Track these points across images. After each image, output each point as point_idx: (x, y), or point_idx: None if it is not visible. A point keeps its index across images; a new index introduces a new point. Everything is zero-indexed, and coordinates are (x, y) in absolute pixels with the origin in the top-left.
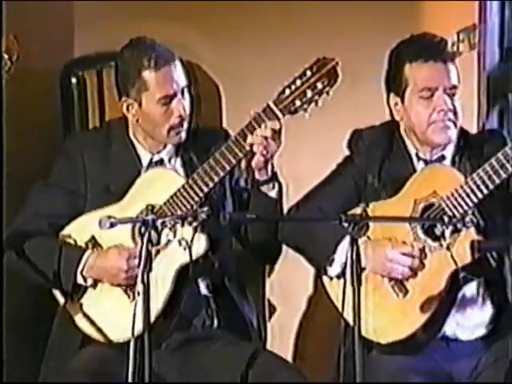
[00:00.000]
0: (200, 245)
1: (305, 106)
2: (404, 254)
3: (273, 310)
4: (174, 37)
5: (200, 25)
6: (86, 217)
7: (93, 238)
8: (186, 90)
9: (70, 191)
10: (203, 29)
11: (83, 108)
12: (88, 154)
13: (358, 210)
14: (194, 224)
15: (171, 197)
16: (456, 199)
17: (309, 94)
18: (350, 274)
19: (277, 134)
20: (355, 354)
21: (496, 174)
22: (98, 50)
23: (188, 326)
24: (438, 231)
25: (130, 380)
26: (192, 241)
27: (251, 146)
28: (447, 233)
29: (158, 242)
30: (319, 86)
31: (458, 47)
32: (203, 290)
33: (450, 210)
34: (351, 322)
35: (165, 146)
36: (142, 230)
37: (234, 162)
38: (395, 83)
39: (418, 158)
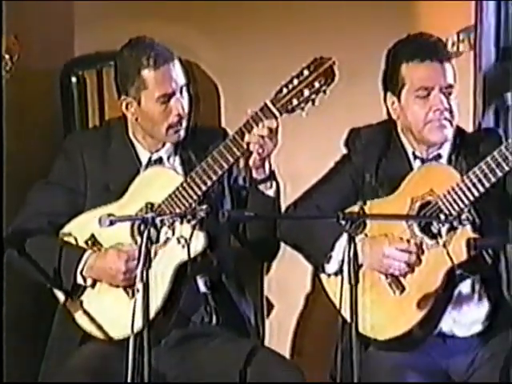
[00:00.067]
0: (198, 242)
1: (302, 104)
2: (401, 250)
3: (271, 307)
4: (174, 37)
5: (200, 25)
6: (86, 215)
7: (92, 236)
8: (184, 89)
9: (70, 190)
10: (203, 29)
11: (83, 107)
12: (88, 152)
13: (355, 208)
14: (193, 222)
15: (170, 195)
16: (452, 197)
17: (306, 93)
18: (348, 272)
19: (273, 132)
20: (352, 351)
21: (492, 172)
22: (98, 50)
23: (187, 322)
24: (434, 229)
25: (129, 376)
26: (190, 238)
27: (248, 144)
28: (443, 230)
29: (157, 240)
30: (316, 85)
31: (457, 47)
32: (202, 287)
33: (447, 207)
34: (348, 319)
35: (163, 145)
36: (142, 227)
37: (231, 160)
38: (392, 82)
39: (415, 157)
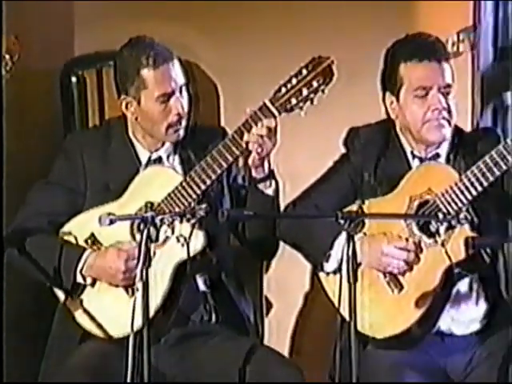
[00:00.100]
0: (198, 241)
1: (300, 104)
2: (399, 249)
3: (270, 305)
4: (174, 37)
5: (200, 25)
6: (86, 214)
7: (92, 235)
8: (184, 89)
9: (70, 189)
10: (203, 29)
11: (83, 107)
12: (88, 152)
13: (353, 207)
14: (193, 221)
15: (169, 194)
16: (450, 196)
17: (304, 92)
18: (346, 270)
19: (272, 132)
20: (351, 349)
21: (490, 171)
22: (97, 50)
23: (186, 321)
24: (432, 228)
25: (129, 375)
26: (190, 237)
27: (247, 143)
28: (442, 229)
29: (157, 239)
30: (315, 84)
31: (458, 47)
32: (201, 285)
33: (445, 206)
34: (347, 318)
35: (163, 144)
36: (141, 226)
37: (230, 159)
38: (391, 82)
39: (413, 156)
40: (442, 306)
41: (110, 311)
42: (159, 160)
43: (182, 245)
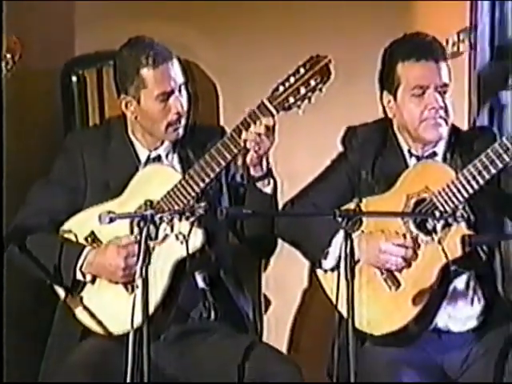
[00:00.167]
0: (197, 239)
1: (298, 102)
2: (397, 245)
3: (268, 303)
4: (174, 37)
5: (200, 25)
6: (86, 212)
7: (92, 232)
8: (183, 88)
9: (70, 188)
10: (203, 29)
11: (83, 106)
12: (88, 151)
13: (351, 206)
14: (192, 219)
15: (168, 192)
16: (447, 194)
17: (302, 90)
18: (344, 268)
19: (270, 130)
20: (349, 346)
21: (486, 169)
22: (98, 49)
23: (185, 318)
24: (429, 225)
25: (129, 371)
26: (189, 235)
27: (245, 142)
28: (439, 227)
29: (156, 237)
30: (312, 83)
31: (458, 47)
32: (200, 283)
33: (442, 204)
34: (345, 315)
35: (162, 143)
36: (141, 224)
37: (229, 157)
38: (388, 81)
39: (411, 155)
40: (439, 303)
41: (110, 308)
42: (158, 158)
43: (181, 242)
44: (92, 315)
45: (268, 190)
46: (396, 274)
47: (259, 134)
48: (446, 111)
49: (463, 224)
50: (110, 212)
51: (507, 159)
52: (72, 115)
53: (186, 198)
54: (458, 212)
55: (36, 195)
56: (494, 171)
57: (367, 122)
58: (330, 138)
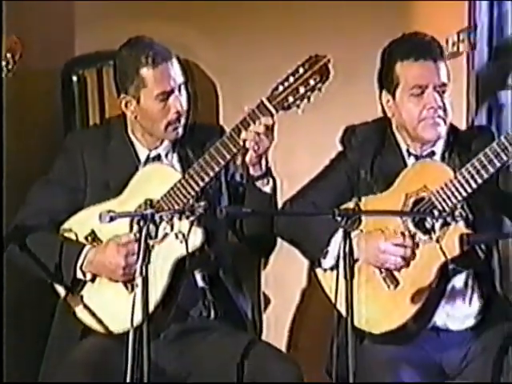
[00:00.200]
0: (196, 238)
1: (297, 102)
2: (396, 245)
3: (268, 301)
4: (174, 37)
5: (200, 25)
6: (86, 211)
7: (92, 231)
8: (183, 87)
9: (70, 188)
10: (203, 29)
11: (84, 106)
12: (88, 151)
13: (350, 205)
14: (191, 218)
15: (168, 191)
16: (446, 193)
17: (301, 90)
18: (343, 267)
19: (269, 129)
20: (348, 344)
21: (484, 168)
22: (98, 49)
23: (185, 317)
24: (428, 224)
25: (129, 369)
26: (188, 234)
27: (244, 141)
28: (437, 226)
29: (156, 236)
30: (311, 82)
31: (457, 47)
32: (200, 281)
33: (440, 203)
34: (344, 313)
35: (162, 142)
36: (141, 223)
37: (228, 157)
38: (387, 81)
39: (409, 154)
40: (438, 301)
41: (110, 307)
42: (158, 158)
43: (181, 241)
44: (92, 314)
45: (267, 189)
46: (395, 272)
47: (258, 134)
48: (445, 111)
49: (461, 223)
50: (110, 211)
51: (505, 158)
52: (72, 115)
53: (185, 197)
54: (457, 211)
55: (36, 195)
56: (492, 170)
57: (366, 122)
58: (330, 137)
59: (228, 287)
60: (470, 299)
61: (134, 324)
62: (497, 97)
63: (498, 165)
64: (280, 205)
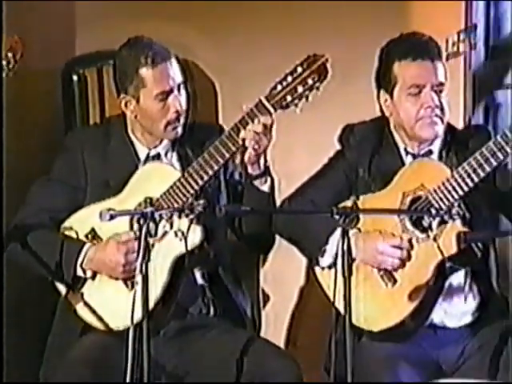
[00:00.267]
0: (195, 236)
1: (296, 101)
2: (394, 247)
3: (266, 298)
4: (174, 37)
5: (200, 25)
6: (87, 209)
7: (93, 230)
8: (182, 87)
9: (71, 186)
10: (203, 29)
11: (84, 105)
12: (88, 150)
13: (348, 203)
14: (191, 216)
15: (167, 190)
16: (443, 192)
17: (300, 89)
18: (341, 265)
19: (268, 128)
20: (346, 342)
21: (481, 167)
22: (98, 49)
23: (185, 314)
24: (425, 223)
25: (129, 366)
26: (188, 232)
27: (243, 140)
28: (434, 224)
29: (156, 234)
30: (310, 81)
31: (457, 47)
32: (199, 279)
33: (437, 202)
34: (342, 311)
35: (161, 141)
36: (141, 221)
37: (227, 155)
38: (385, 80)
39: (407, 153)
40: (435, 299)
41: (111, 304)
42: (157, 157)
43: (180, 239)
44: (92, 311)
45: (265, 188)
46: (392, 271)
47: (257, 133)
48: (442, 110)
49: (458, 221)
50: (110, 209)
51: (501, 157)
52: (73, 115)
53: (184, 195)
54: (454, 209)
55: (36, 194)
56: (488, 169)
57: (364, 121)
58: (328, 136)
59: (227, 285)
60: (467, 297)
61: (134, 321)
62: (493, 96)
63: (495, 164)
64: (278, 203)
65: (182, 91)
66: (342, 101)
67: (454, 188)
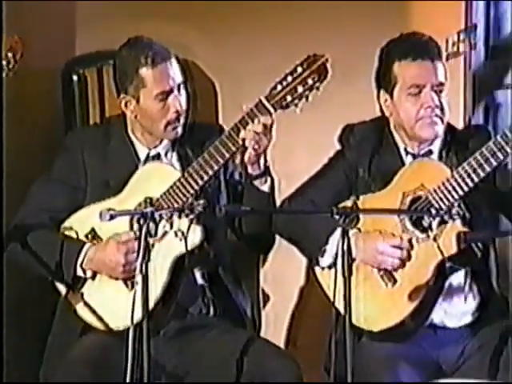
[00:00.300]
0: (195, 236)
1: (296, 101)
2: (394, 247)
3: (266, 298)
4: (174, 37)
5: (200, 25)
6: (87, 209)
7: (93, 230)
8: (182, 87)
9: (71, 186)
10: (203, 29)
11: (84, 105)
12: (88, 150)
13: (348, 203)
14: (191, 216)
15: (167, 190)
16: (443, 192)
17: (299, 89)
18: (341, 265)
19: (268, 128)
20: (346, 342)
21: (481, 167)
22: (98, 49)
23: (185, 314)
24: (425, 223)
25: (129, 366)
26: (188, 232)
27: (243, 140)
28: (434, 224)
29: (156, 234)
30: (310, 81)
31: (458, 47)
32: (199, 279)
33: (437, 202)
34: (342, 311)
35: (161, 141)
36: (141, 221)
37: (227, 155)
38: (385, 80)
39: (407, 153)
40: (435, 299)
41: (111, 304)
42: (157, 157)
43: (180, 239)
44: (92, 311)
45: (265, 188)
46: (392, 271)
47: (257, 133)
48: (442, 110)
49: (458, 221)
50: (110, 209)
51: (501, 157)
52: (73, 114)
53: (184, 195)
54: (454, 209)
55: (36, 193)
56: (488, 169)
57: (364, 121)
58: (328, 136)
59: (227, 285)
60: (467, 297)
61: (134, 321)
62: (493, 96)
63: (495, 164)
64: (278, 203)
65: (182, 91)
66: (341, 101)
67: (453, 188)
